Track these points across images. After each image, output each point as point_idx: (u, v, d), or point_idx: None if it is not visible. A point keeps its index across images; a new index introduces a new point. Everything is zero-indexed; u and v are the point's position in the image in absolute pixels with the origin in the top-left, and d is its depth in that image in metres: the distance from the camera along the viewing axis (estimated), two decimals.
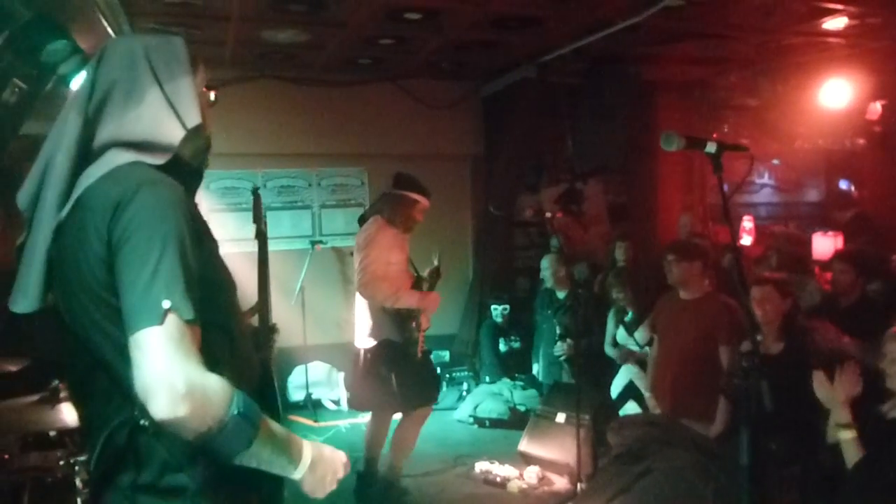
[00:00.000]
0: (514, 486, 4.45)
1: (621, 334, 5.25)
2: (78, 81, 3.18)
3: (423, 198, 4.23)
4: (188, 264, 1.37)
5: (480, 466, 4.69)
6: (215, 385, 1.33)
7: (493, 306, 6.42)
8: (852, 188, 8.44)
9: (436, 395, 4.50)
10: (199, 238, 1.46)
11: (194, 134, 1.56)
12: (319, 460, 1.51)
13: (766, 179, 8.46)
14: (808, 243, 5.58)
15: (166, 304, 1.31)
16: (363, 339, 4.22)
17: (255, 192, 2.51)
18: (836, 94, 6.37)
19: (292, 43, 5.27)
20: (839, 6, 4.68)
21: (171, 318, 1.31)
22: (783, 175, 8.56)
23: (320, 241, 6.58)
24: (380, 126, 6.67)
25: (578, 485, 4.12)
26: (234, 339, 1.56)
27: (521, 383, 6.01)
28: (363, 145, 6.69)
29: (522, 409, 5.71)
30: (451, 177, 7.08)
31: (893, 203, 7.88)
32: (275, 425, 1.45)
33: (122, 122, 1.49)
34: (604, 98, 6.42)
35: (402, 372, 4.10)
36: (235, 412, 1.33)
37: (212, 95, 1.71)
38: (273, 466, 1.44)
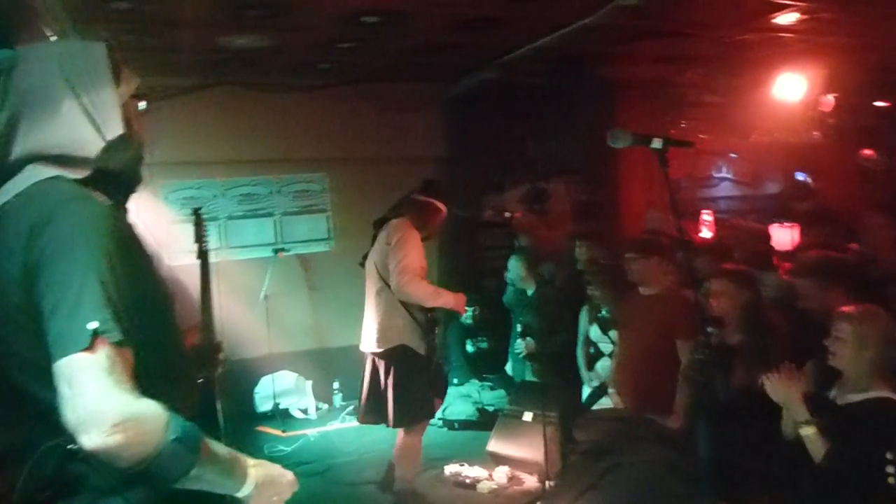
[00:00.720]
0: (484, 486, 4.45)
1: (595, 332, 5.23)
2: None
3: (444, 207, 4.29)
4: (115, 284, 1.31)
5: (450, 469, 4.69)
6: (149, 412, 1.28)
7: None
8: (809, 180, 8.60)
9: (434, 408, 4.38)
10: (129, 255, 1.40)
11: (120, 145, 1.50)
12: (266, 480, 1.49)
13: (724, 173, 8.59)
14: (769, 236, 5.66)
15: (93, 325, 1.25)
16: (372, 343, 4.13)
17: (196, 212, 2.48)
18: (791, 88, 6.51)
19: (250, 48, 5.21)
20: (790, 2, 4.76)
21: (100, 343, 1.25)
22: (741, 168, 8.70)
23: (283, 249, 6.52)
24: (341, 130, 6.64)
25: (547, 483, 4.14)
26: (171, 359, 1.52)
27: (489, 384, 6.02)
28: (325, 150, 6.66)
29: (491, 409, 5.73)
30: (414, 179, 6.97)
31: (849, 193, 8.06)
32: (217, 447, 1.41)
33: (37, 135, 1.43)
34: (566, 98, 6.47)
35: (412, 380, 4.03)
36: (172, 438, 1.28)
37: (141, 104, 1.65)
38: (216, 487, 1.41)
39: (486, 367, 6.29)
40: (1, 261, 1.34)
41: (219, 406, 1.73)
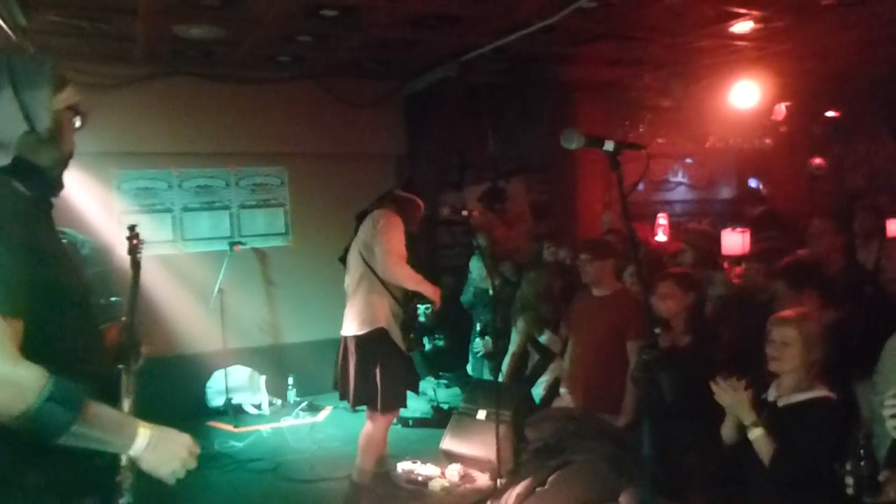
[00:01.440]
0: (435, 484, 4.45)
1: (545, 337, 5.26)
2: None
3: (422, 204, 4.40)
4: (12, 262, 1.46)
5: (403, 466, 4.68)
6: (24, 373, 1.43)
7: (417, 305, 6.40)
8: (761, 186, 8.81)
9: (407, 396, 4.34)
10: (33, 240, 1.53)
11: (47, 142, 1.66)
12: (159, 440, 1.62)
13: (680, 178, 8.74)
14: (718, 239, 5.78)
15: None
16: (353, 327, 4.12)
17: (131, 228, 2.58)
18: (745, 95, 6.66)
19: (206, 38, 5.12)
20: (745, 10, 4.87)
21: None
22: (696, 173, 8.87)
23: (239, 242, 6.43)
24: (301, 124, 6.56)
25: (498, 481, 4.16)
26: (74, 351, 1.65)
27: (444, 381, 6.03)
28: (284, 144, 6.58)
29: (446, 407, 5.73)
30: (374, 176, 7.02)
31: (799, 199, 8.29)
32: (106, 409, 1.56)
33: None
34: (525, 97, 6.51)
35: (387, 366, 4.03)
36: (47, 396, 1.42)
37: (77, 121, 1.79)
38: (105, 446, 1.56)
39: (442, 364, 6.29)
40: None
41: (124, 396, 1.88)
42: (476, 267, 6.02)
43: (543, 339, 5.17)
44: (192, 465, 1.68)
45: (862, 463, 2.36)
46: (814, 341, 2.84)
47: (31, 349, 1.47)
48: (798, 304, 3.37)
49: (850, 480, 2.39)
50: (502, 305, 5.36)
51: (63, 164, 1.76)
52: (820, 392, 2.83)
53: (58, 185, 1.77)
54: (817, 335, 2.86)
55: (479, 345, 5.70)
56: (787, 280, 3.64)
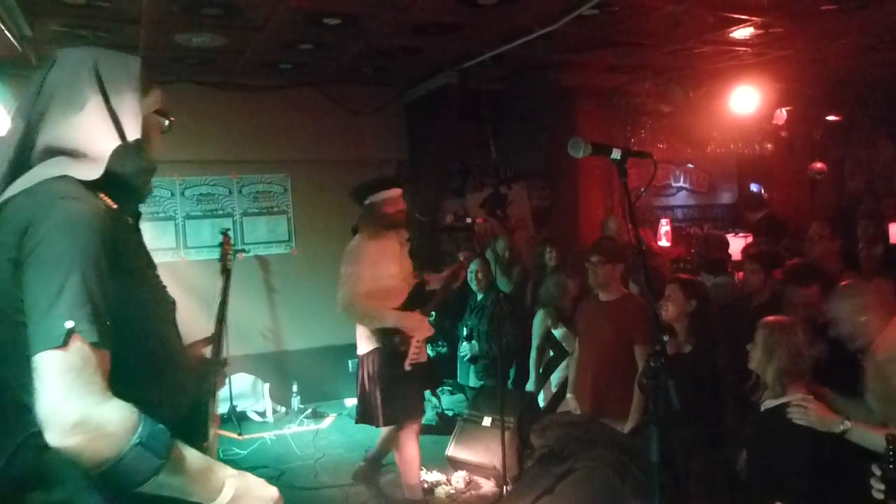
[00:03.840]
0: (441, 491, 4.45)
1: (559, 332, 5.25)
2: None
3: (384, 192, 4.01)
4: (99, 286, 1.33)
5: None
6: (114, 415, 1.29)
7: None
8: (762, 191, 8.83)
9: (421, 409, 4.27)
10: (121, 260, 1.41)
11: (134, 151, 1.54)
12: (244, 494, 1.46)
13: (681, 183, 8.76)
14: (727, 244, 5.79)
15: (69, 324, 1.27)
16: (361, 345, 4.11)
17: (224, 233, 2.49)
18: (745, 100, 6.68)
19: (208, 47, 5.14)
20: (745, 17, 4.89)
21: (74, 341, 1.27)
22: (698, 178, 8.89)
23: (243, 250, 6.43)
24: (302, 131, 6.58)
25: (504, 488, 4.16)
26: (162, 365, 1.54)
27: (448, 388, 6.03)
28: (285, 151, 6.59)
29: (450, 413, 5.73)
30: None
31: (800, 204, 8.30)
32: (192, 454, 1.40)
33: (60, 128, 1.48)
34: (525, 104, 6.53)
35: (387, 384, 3.95)
36: (136, 442, 1.28)
37: (166, 122, 1.69)
38: (188, 496, 1.40)
39: (446, 371, 6.29)
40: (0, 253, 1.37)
41: (210, 416, 1.76)
42: (471, 270, 6.03)
43: (559, 333, 5.17)
44: None
45: (891, 467, 2.35)
46: (777, 350, 2.85)
47: (117, 380, 1.33)
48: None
49: (880, 486, 2.37)
50: (496, 310, 5.37)
51: (151, 172, 1.66)
52: (794, 396, 2.82)
53: (146, 194, 1.68)
54: (783, 344, 2.86)
55: (465, 349, 5.72)
56: (794, 279, 3.67)
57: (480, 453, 4.64)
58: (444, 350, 6.39)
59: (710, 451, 3.15)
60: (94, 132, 1.48)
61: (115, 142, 1.49)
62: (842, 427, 2.63)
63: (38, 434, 1.29)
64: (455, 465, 4.74)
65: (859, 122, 8.08)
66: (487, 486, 4.53)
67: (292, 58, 5.66)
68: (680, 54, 5.87)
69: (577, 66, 6.15)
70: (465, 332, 5.85)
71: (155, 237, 6.09)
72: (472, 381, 5.97)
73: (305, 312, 6.59)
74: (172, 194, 6.38)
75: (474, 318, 5.87)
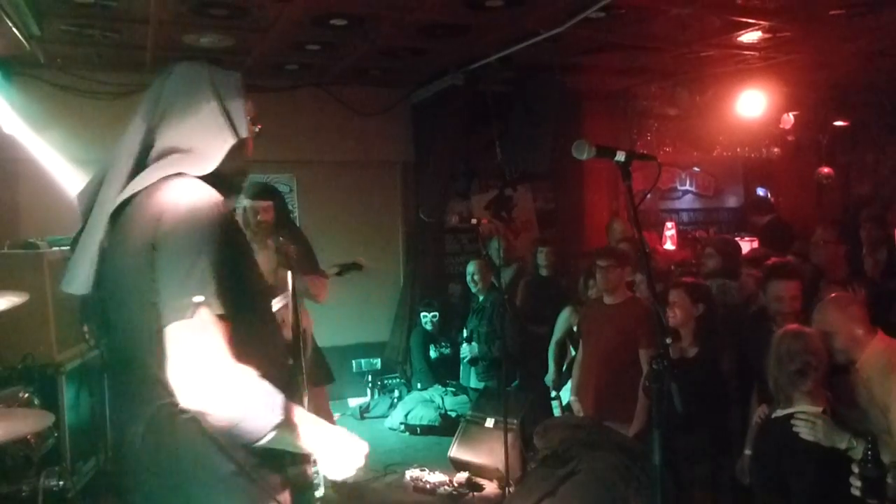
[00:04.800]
0: (443, 492, 4.45)
1: None
2: None
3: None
4: (220, 267, 1.52)
5: (411, 474, 4.67)
6: (241, 376, 1.48)
7: (422, 313, 6.43)
8: (769, 195, 8.80)
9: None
10: (233, 245, 1.62)
11: (238, 150, 1.74)
12: (343, 446, 1.69)
13: (687, 186, 8.73)
14: (739, 248, 5.75)
15: (197, 299, 1.47)
16: None
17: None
18: (752, 104, 6.67)
19: (215, 48, 5.15)
20: (752, 20, 4.88)
21: (202, 313, 1.47)
22: (704, 182, 8.86)
23: None
24: (309, 132, 6.58)
25: (507, 489, 4.15)
26: (267, 343, 1.73)
27: (452, 389, 6.03)
28: (292, 152, 6.59)
29: (453, 414, 5.73)
30: (381, 183, 7.06)
31: (807, 208, 8.27)
32: (301, 413, 1.62)
33: (178, 130, 1.70)
34: (531, 106, 6.52)
35: None
36: (257, 402, 1.49)
37: (256, 129, 1.90)
38: (297, 449, 1.63)
39: (449, 372, 6.30)
40: (132, 247, 1.57)
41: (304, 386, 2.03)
42: (471, 270, 6.04)
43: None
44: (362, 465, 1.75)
45: (869, 466, 2.41)
46: (784, 357, 2.85)
47: (236, 353, 1.52)
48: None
49: (857, 483, 2.43)
50: (496, 311, 5.36)
51: (245, 173, 1.90)
52: (799, 408, 2.81)
53: (238, 193, 1.90)
54: (797, 353, 2.84)
55: (465, 350, 5.71)
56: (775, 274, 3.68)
57: (483, 455, 4.64)
58: (447, 351, 6.39)
59: (715, 456, 3.14)
60: (209, 134, 1.70)
61: (230, 139, 1.70)
62: (846, 444, 2.62)
63: (170, 404, 1.51)
64: (458, 466, 4.74)
65: (867, 127, 8.05)
66: (490, 487, 4.53)
67: (299, 59, 5.67)
68: (686, 58, 5.86)
69: (583, 68, 6.14)
70: (465, 334, 5.85)
71: None
72: (474, 383, 5.97)
73: (310, 312, 6.59)
74: None
75: (475, 320, 5.87)
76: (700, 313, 3.71)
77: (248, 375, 1.49)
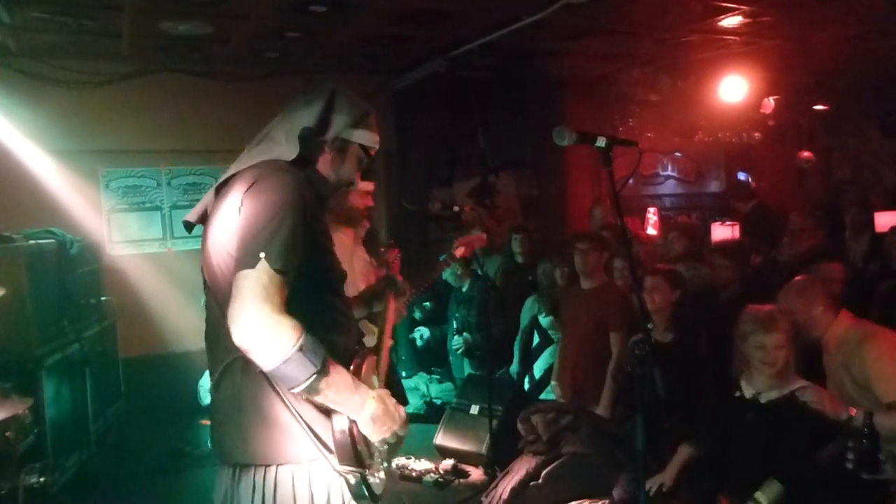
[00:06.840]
0: (429, 479, 4.46)
1: (546, 320, 5.23)
2: None
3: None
4: (294, 233, 1.69)
5: (396, 461, 4.68)
6: (286, 323, 1.62)
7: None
8: (750, 179, 8.86)
9: None
10: (313, 221, 1.79)
11: (333, 160, 1.98)
12: (381, 411, 1.79)
13: (669, 171, 8.76)
14: (701, 232, 5.80)
15: (262, 254, 1.64)
16: None
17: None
18: (733, 89, 6.68)
19: (194, 35, 5.08)
20: (733, 5, 4.88)
21: (262, 265, 1.63)
22: (685, 167, 8.90)
23: None
24: None
25: (492, 475, 4.17)
26: (329, 325, 1.84)
27: (437, 377, 6.02)
28: None
29: (438, 402, 5.73)
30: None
31: (788, 193, 8.34)
32: (343, 371, 1.74)
33: (280, 124, 1.96)
34: (514, 93, 6.51)
35: None
36: (299, 347, 1.61)
37: (365, 159, 2.04)
38: (337, 406, 1.75)
39: (434, 360, 6.29)
40: (229, 205, 1.79)
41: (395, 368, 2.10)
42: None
43: (546, 321, 5.17)
44: (404, 433, 1.88)
45: (864, 441, 2.43)
46: (793, 337, 2.86)
47: (292, 313, 1.65)
48: None
49: (851, 455, 2.45)
50: (483, 300, 5.35)
51: (336, 187, 2.04)
52: (799, 383, 2.84)
53: (330, 196, 2.07)
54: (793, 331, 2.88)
55: (457, 342, 5.68)
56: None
57: (469, 441, 4.65)
58: (431, 338, 6.36)
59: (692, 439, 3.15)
60: (297, 124, 1.91)
61: (291, 152, 1.87)
62: (846, 416, 2.64)
63: (237, 360, 1.75)
64: (443, 453, 4.75)
65: (847, 112, 8.11)
66: (476, 473, 4.54)
67: (279, 46, 5.61)
68: (668, 43, 5.85)
69: (565, 54, 6.12)
70: (455, 325, 5.81)
71: (141, 227, 6.06)
72: (469, 372, 5.92)
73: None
74: (159, 184, 6.32)
75: (462, 310, 5.80)
76: (676, 298, 3.74)
77: (294, 325, 1.62)
